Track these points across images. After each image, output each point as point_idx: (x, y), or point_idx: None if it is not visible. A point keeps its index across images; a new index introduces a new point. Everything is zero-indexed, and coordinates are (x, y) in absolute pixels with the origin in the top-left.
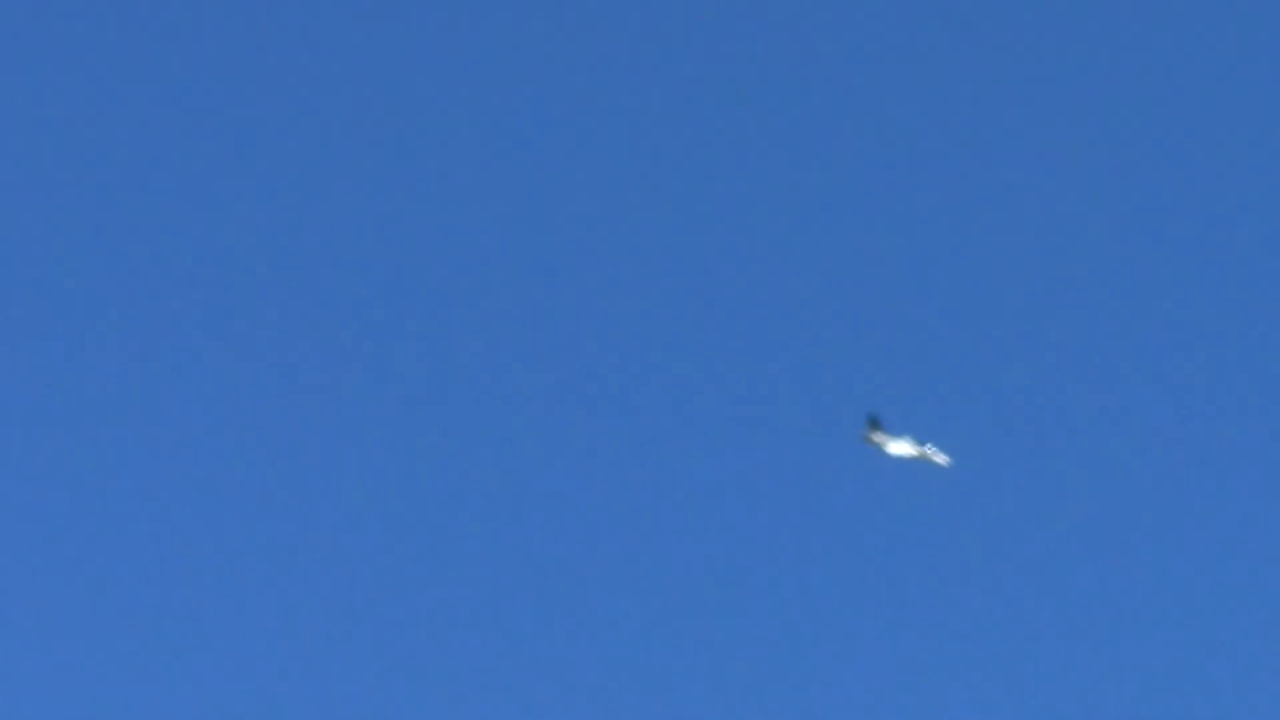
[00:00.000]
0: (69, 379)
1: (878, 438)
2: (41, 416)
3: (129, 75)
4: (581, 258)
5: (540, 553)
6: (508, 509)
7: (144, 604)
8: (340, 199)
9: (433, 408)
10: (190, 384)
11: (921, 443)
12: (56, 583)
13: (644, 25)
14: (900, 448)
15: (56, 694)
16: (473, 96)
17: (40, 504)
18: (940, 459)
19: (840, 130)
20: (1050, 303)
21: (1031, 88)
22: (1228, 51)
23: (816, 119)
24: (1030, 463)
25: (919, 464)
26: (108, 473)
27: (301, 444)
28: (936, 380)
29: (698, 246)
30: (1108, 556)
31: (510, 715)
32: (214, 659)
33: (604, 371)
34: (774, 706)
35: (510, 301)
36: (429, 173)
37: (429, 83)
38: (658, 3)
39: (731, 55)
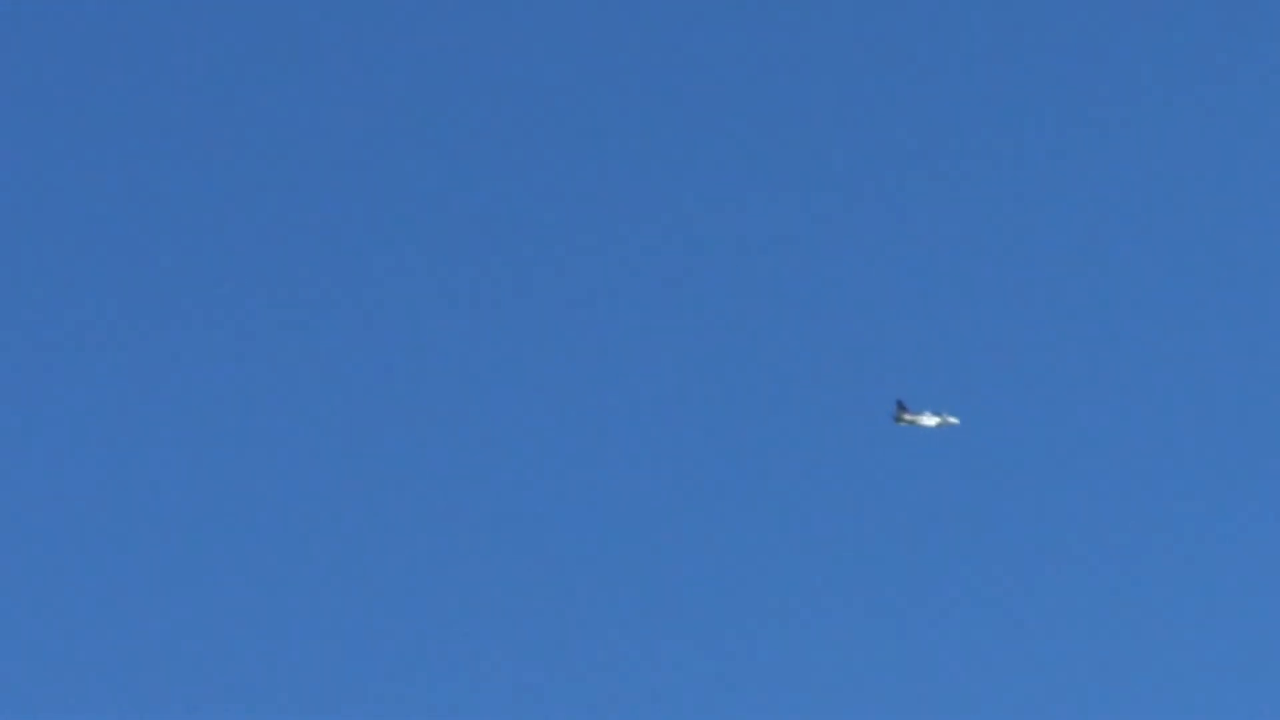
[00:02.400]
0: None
1: (907, 416)
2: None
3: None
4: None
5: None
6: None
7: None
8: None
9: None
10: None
11: (938, 412)
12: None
13: None
14: (926, 420)
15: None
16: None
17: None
18: (953, 420)
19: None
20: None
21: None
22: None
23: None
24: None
25: (941, 430)
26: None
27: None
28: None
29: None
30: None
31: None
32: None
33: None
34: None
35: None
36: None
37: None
38: None
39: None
